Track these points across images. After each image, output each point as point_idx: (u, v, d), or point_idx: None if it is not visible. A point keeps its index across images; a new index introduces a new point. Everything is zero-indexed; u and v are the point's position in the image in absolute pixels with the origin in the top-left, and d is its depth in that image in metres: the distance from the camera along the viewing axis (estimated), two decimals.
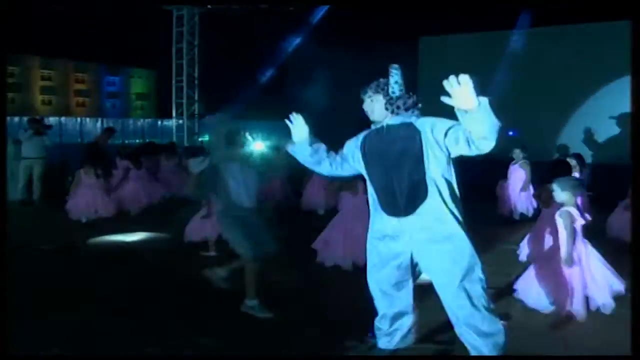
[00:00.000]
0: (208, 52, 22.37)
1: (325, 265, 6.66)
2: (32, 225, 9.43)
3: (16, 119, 35.27)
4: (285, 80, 19.00)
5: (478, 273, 3.58)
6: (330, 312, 5.04)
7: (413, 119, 3.69)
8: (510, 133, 12.37)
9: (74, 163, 11.88)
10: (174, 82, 21.76)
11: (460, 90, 3.02)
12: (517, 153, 10.01)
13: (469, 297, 3.55)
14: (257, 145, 15.46)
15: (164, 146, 14.24)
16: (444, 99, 3.09)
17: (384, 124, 3.74)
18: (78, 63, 70.16)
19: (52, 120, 36.52)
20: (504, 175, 10.11)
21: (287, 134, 4.08)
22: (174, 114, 22.01)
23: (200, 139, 23.06)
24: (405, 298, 3.86)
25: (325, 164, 4.06)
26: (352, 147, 3.97)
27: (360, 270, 4.92)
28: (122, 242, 8.33)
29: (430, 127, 3.58)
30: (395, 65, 3.78)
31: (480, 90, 3.00)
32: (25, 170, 12.01)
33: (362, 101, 3.86)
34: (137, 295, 5.64)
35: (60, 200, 10.05)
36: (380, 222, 3.76)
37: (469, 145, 3.33)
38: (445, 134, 3.49)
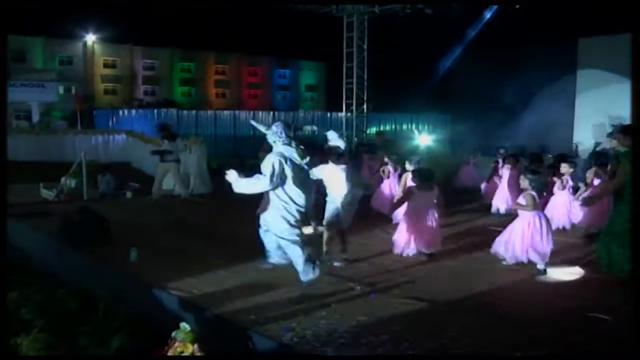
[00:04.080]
0: (376, 55, 24.47)
1: None
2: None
3: (193, 112, 39.41)
4: (449, 80, 20.69)
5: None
6: None
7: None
8: None
9: (247, 153, 14.44)
10: (344, 83, 24.04)
11: None
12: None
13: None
14: (422, 139, 17.98)
15: None
16: None
17: None
18: (250, 57, 75.04)
19: (225, 113, 40.07)
20: None
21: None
22: (343, 113, 24.41)
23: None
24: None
25: None
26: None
27: None
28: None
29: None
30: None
31: None
32: (163, 172, 14.36)
33: None
34: None
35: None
36: None
37: None
38: None
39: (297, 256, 6.74)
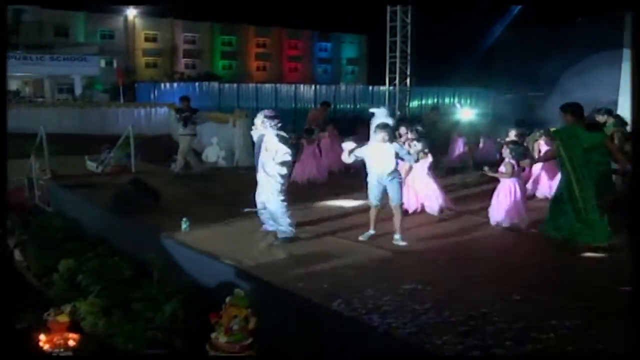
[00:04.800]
0: (420, 28, 24.51)
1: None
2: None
3: (235, 85, 39.75)
4: (493, 54, 20.62)
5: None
6: None
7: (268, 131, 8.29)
8: None
9: (288, 126, 14.67)
10: (387, 57, 24.15)
11: None
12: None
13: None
14: (465, 113, 18.11)
15: None
16: None
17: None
18: (291, 30, 75.08)
19: (267, 86, 40.38)
20: None
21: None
22: (387, 86, 24.54)
23: None
24: None
25: None
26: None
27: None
28: (340, 206, 10.87)
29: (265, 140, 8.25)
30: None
31: None
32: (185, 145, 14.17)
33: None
34: None
35: None
36: None
37: None
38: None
39: (286, 223, 8.27)
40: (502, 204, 9.02)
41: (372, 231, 8.49)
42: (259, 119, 8.52)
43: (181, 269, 7.77)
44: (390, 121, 8.56)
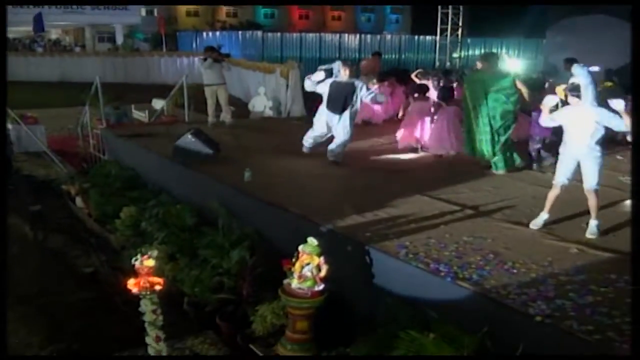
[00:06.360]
0: None
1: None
2: None
3: (278, 34, 39.83)
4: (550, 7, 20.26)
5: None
6: None
7: (355, 81, 10.21)
8: None
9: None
10: (439, 8, 24.10)
11: None
12: None
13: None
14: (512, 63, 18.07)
15: None
16: None
17: (342, 80, 10.18)
18: None
19: (310, 35, 40.31)
20: None
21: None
22: (437, 36, 24.47)
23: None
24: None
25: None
26: (326, 81, 10.30)
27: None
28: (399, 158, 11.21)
29: (360, 86, 10.18)
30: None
31: None
32: (212, 96, 14.25)
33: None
34: None
35: None
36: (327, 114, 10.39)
37: None
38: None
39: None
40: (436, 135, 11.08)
41: (545, 215, 7.16)
42: (349, 67, 10.34)
43: (245, 217, 8.08)
44: (587, 81, 6.81)
